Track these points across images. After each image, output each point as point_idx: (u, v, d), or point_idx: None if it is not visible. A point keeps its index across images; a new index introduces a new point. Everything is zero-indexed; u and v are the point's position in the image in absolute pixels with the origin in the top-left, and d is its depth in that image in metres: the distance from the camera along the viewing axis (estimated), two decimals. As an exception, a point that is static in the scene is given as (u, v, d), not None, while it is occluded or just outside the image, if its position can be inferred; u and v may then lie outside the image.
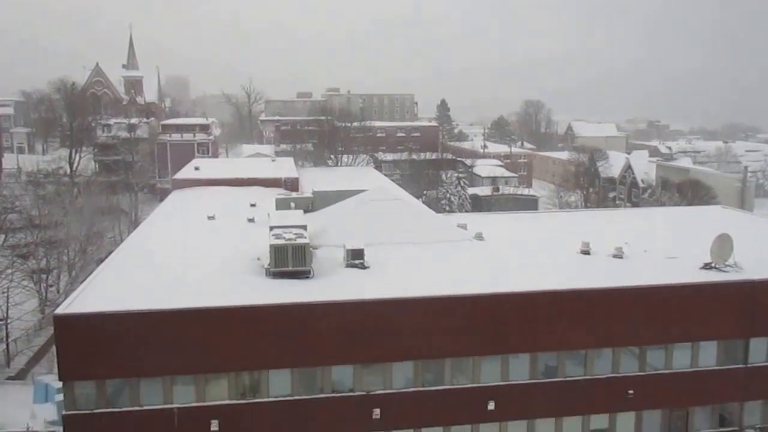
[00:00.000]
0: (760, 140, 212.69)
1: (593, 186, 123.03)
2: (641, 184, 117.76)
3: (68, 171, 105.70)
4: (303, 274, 34.53)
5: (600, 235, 42.75)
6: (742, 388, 35.80)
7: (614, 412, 34.78)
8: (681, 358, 34.99)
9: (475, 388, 32.91)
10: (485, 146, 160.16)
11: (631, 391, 34.40)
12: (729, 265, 36.78)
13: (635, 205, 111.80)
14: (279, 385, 31.40)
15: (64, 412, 30.53)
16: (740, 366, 35.60)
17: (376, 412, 32.09)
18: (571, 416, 34.33)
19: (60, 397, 36.12)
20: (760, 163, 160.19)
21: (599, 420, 34.80)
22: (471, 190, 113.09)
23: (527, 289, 33.12)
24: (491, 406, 33.01)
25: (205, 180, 67.02)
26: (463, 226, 45.28)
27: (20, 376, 52.78)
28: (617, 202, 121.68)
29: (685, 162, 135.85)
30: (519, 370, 33.37)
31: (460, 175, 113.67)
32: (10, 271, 59.65)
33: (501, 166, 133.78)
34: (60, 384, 34.16)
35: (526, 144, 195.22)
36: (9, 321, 56.91)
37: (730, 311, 34.84)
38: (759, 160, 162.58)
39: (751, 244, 40.27)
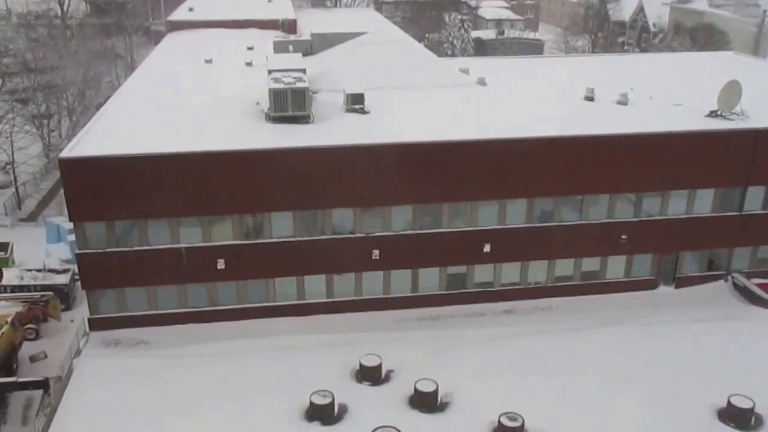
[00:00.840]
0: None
1: (602, 30, 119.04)
2: (653, 29, 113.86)
3: (59, 12, 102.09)
4: (303, 119, 34.40)
5: (606, 82, 42.05)
6: (734, 235, 36.76)
7: (606, 255, 35.97)
8: (677, 206, 35.64)
9: (472, 231, 33.86)
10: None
11: (624, 236, 35.37)
12: (735, 113, 36.45)
13: (644, 50, 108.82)
14: (281, 226, 32.32)
15: (77, 251, 31.70)
16: (735, 214, 36.32)
17: (375, 253, 33.25)
18: (564, 259, 35.55)
19: (72, 237, 37.32)
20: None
21: (591, 263, 36.10)
22: (474, 34, 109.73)
23: (527, 134, 33.06)
24: (487, 248, 34.13)
25: (200, 22, 64.98)
26: (466, 71, 44.41)
27: (32, 218, 54.20)
28: (626, 47, 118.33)
29: (701, 4, 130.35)
30: (516, 214, 34.13)
31: (464, 17, 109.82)
32: (11, 116, 59.59)
33: (507, 8, 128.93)
34: (71, 225, 35.26)
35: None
36: (15, 165, 57.58)
37: (731, 160, 34.98)
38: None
39: (760, 92, 39.67)
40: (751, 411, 26.60)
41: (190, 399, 27.43)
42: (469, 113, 36.82)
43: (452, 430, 25.84)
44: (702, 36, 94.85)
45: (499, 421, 25.55)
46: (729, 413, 26.81)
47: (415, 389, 27.43)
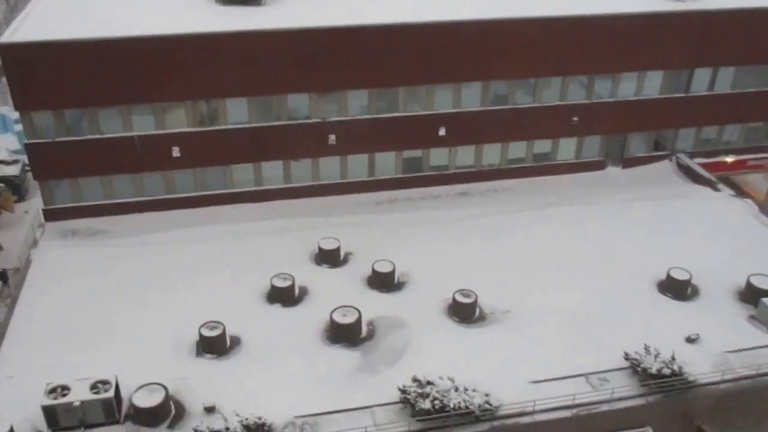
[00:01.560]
0: None
1: None
2: None
3: None
4: (254, 1, 33.33)
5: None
6: (680, 116, 37.76)
7: (558, 137, 36.76)
8: (626, 88, 36.24)
9: (428, 115, 34.06)
10: None
11: (575, 118, 36.06)
12: (684, -5, 36.52)
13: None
14: (236, 113, 31.97)
15: (25, 141, 30.96)
16: (681, 95, 37.15)
17: (332, 138, 33.33)
18: (517, 141, 36.24)
19: (19, 127, 36.27)
20: None
21: (543, 145, 36.91)
22: None
23: (482, 17, 32.67)
24: (442, 132, 34.51)
25: None
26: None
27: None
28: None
29: None
30: (470, 98, 34.34)
31: None
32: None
33: None
34: (17, 115, 34.17)
35: None
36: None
37: (681, 42, 35.35)
38: None
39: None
40: (687, 282, 28.46)
41: (149, 287, 27.98)
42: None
43: (408, 307, 27.11)
44: None
45: (454, 298, 26.86)
46: (668, 285, 28.65)
47: (373, 270, 28.46)
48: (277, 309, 27.06)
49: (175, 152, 31.98)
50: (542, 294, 27.82)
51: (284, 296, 27.38)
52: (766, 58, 36.94)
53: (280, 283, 27.40)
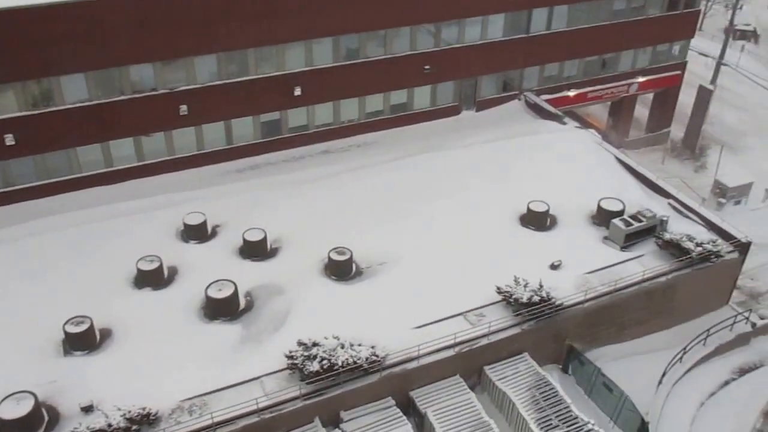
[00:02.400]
0: None
1: None
2: None
3: None
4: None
5: None
6: (523, 56, 39.33)
7: (412, 87, 37.21)
8: (472, 32, 37.14)
9: (281, 75, 33.29)
10: None
11: (427, 67, 36.60)
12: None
13: None
14: (74, 90, 29.66)
15: None
16: (523, 36, 38.63)
17: (183, 108, 31.84)
18: (373, 95, 36.34)
19: None
20: None
21: (399, 95, 37.24)
22: None
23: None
24: (298, 91, 33.90)
25: None
26: None
27: None
28: None
29: None
30: (322, 54, 33.87)
31: None
32: None
33: None
34: None
35: None
36: None
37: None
38: None
39: None
40: (546, 213, 30.08)
41: (8, 283, 25.78)
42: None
43: (285, 272, 26.80)
44: None
45: (329, 257, 26.84)
46: (528, 217, 30.15)
47: (244, 240, 27.79)
48: (147, 293, 25.84)
49: (9, 140, 29.30)
50: (414, 241, 28.40)
51: (153, 279, 26.16)
52: (594, -6, 39.16)
53: (147, 266, 26.12)
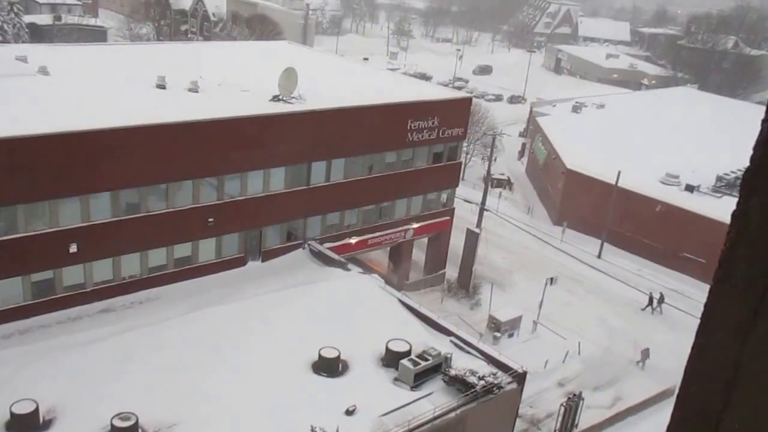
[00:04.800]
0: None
1: (165, 18, 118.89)
2: (213, 18, 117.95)
3: None
4: None
5: (175, 69, 42.36)
6: (305, 206, 40.93)
7: (196, 239, 36.78)
8: (254, 185, 38.14)
9: (55, 232, 31.29)
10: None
11: (211, 219, 36.59)
12: (294, 97, 40.22)
13: (207, 38, 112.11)
14: None
15: None
16: (304, 187, 40.40)
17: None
18: (156, 249, 35.28)
19: None
20: (319, 2, 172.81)
21: (183, 248, 36.52)
22: (27, 18, 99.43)
23: (101, 125, 31.62)
24: (74, 248, 31.92)
25: None
26: (23, 59, 40.24)
27: None
28: (189, 35, 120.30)
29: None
30: (100, 209, 32.58)
31: (12, 0, 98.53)
32: None
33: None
34: None
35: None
36: None
37: (297, 139, 38.66)
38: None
39: (313, 77, 44.33)
40: (337, 359, 30.38)
41: None
42: (31, 105, 33.55)
43: (58, 447, 23.94)
44: (258, 25, 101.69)
45: (112, 424, 24.52)
46: (320, 364, 30.21)
47: (12, 414, 24.54)
48: None
49: None
50: (205, 399, 27.00)
51: None
52: (366, 149, 42.39)
53: None
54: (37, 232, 30.90)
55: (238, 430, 25.62)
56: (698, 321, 2.03)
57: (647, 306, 50.05)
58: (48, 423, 25.23)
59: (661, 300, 49.85)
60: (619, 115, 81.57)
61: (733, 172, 61.98)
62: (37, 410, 24.95)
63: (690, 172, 60.63)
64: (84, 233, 32.14)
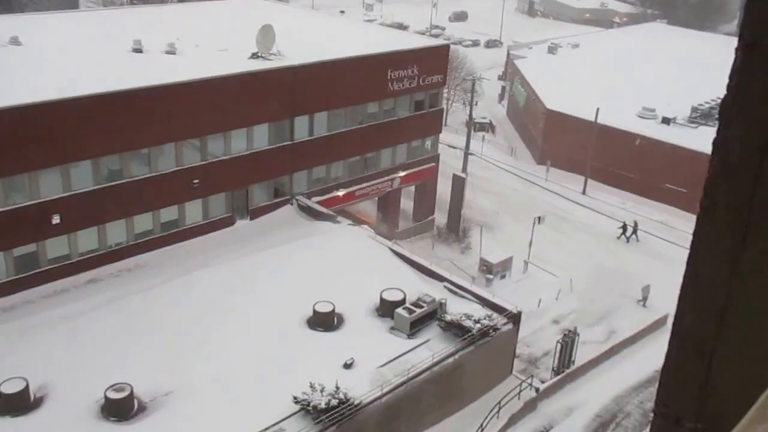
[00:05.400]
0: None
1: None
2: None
3: None
4: None
5: (150, 33, 41.26)
6: (290, 162, 40.49)
7: (182, 203, 36.37)
8: (238, 143, 37.61)
9: (34, 204, 30.80)
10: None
11: (196, 181, 36.14)
12: (273, 54, 39.38)
13: (182, 0, 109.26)
14: None
15: None
16: (288, 143, 39.90)
17: None
18: (142, 214, 34.87)
19: None
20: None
21: (169, 212, 36.11)
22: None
23: (77, 93, 30.85)
24: (56, 219, 31.49)
25: None
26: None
27: None
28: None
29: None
30: (82, 178, 32.06)
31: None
32: None
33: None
34: None
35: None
36: None
37: (278, 95, 37.99)
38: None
39: (290, 33, 43.17)
40: (332, 313, 30.41)
41: None
42: (3, 76, 32.64)
43: (51, 424, 23.81)
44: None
45: (106, 396, 24.48)
46: (316, 319, 30.26)
47: (0, 393, 24.34)
48: None
49: None
50: (200, 363, 27.05)
51: None
52: (348, 102, 41.78)
53: None
54: (18, 206, 30.42)
55: (236, 392, 25.69)
56: (684, 250, 1.92)
57: (621, 235, 50.88)
58: (39, 401, 24.90)
59: (635, 228, 50.59)
60: (594, 53, 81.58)
61: (707, 102, 62.08)
62: (27, 388, 24.58)
63: (665, 105, 60.66)
64: (66, 204, 31.67)
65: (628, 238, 50.76)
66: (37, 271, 31.98)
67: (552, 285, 43.16)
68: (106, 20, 49.60)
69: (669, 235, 47.61)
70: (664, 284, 39.94)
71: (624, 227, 50.90)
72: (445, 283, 34.05)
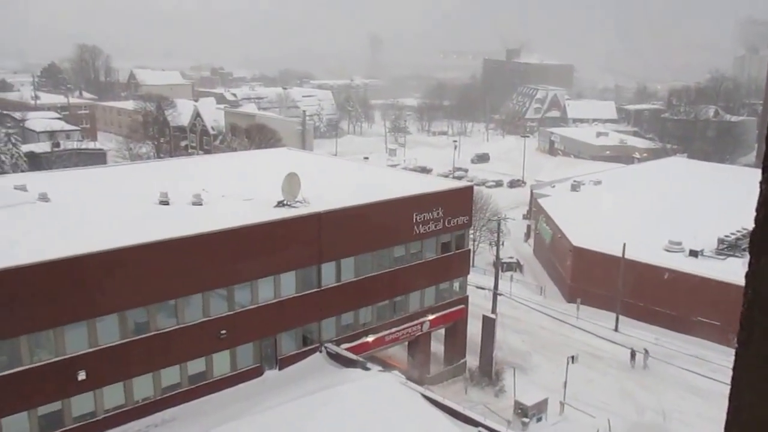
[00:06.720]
0: (313, 86, 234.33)
1: (164, 135, 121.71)
2: (211, 131, 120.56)
3: None
4: None
5: (177, 185, 42.52)
6: (318, 308, 40.06)
7: (209, 354, 35.70)
8: (265, 292, 37.42)
9: (61, 360, 30.32)
10: (37, 97, 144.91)
11: (223, 331, 35.65)
12: (298, 201, 40.17)
13: (208, 152, 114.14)
14: None
15: None
16: (315, 290, 39.66)
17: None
18: (168, 367, 34.17)
19: None
20: (315, 107, 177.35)
21: (196, 364, 35.37)
22: (25, 147, 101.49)
23: (109, 246, 31.24)
24: (82, 375, 30.86)
25: None
26: (22, 188, 40.25)
27: None
28: (190, 150, 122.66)
29: (250, 108, 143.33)
30: (108, 332, 31.74)
31: (10, 131, 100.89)
32: None
33: (59, 118, 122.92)
34: None
35: (85, 94, 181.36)
36: None
37: (304, 242, 38.30)
38: (313, 104, 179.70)
39: (315, 181, 44.51)
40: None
41: None
42: (34, 232, 33.33)
43: None
44: (257, 135, 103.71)
45: None
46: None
47: None
48: None
49: None
50: None
51: None
52: (374, 246, 41.93)
53: None
54: (43, 363, 29.94)
55: None
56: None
57: (631, 360, 50.12)
58: None
59: (646, 356, 49.85)
60: (617, 189, 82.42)
61: (733, 233, 61.73)
62: None
63: (691, 238, 60.37)
64: (92, 359, 31.16)
65: (634, 364, 49.70)
66: (62, 430, 30.93)
67: (590, 427, 40.98)
68: (133, 174, 51.32)
69: (704, 369, 45.87)
70: (702, 420, 37.95)
71: (633, 354, 50.10)
72: (480, 429, 32.45)
